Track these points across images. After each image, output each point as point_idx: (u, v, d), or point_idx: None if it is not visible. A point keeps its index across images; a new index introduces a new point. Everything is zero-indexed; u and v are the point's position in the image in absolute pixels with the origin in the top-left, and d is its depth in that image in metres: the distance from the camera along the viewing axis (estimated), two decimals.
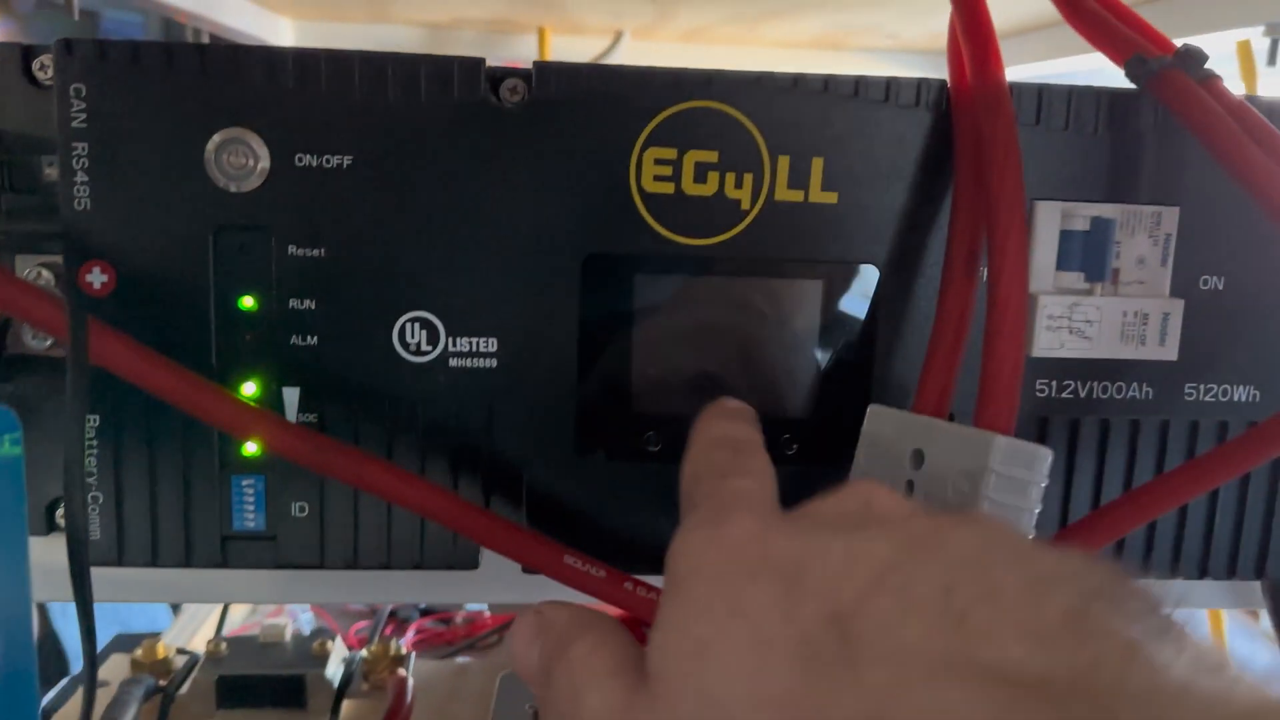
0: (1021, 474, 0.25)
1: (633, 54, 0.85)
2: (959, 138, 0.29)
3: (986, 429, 0.26)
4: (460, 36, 0.84)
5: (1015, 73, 0.78)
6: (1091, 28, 0.31)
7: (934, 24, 0.75)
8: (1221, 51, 0.57)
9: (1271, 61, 0.51)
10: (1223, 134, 0.27)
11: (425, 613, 0.61)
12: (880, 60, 0.85)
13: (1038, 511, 0.25)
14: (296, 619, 0.61)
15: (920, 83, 0.30)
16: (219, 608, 0.57)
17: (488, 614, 0.61)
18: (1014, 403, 0.26)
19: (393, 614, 0.61)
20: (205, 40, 0.81)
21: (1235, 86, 0.57)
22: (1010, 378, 0.26)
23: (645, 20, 0.76)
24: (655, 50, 0.86)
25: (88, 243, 0.29)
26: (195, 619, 0.62)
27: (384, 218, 0.29)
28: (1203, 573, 0.33)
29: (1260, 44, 0.54)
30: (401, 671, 0.44)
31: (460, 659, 0.53)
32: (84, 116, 0.28)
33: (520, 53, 0.85)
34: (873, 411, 0.29)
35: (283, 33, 0.84)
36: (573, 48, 0.85)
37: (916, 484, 0.27)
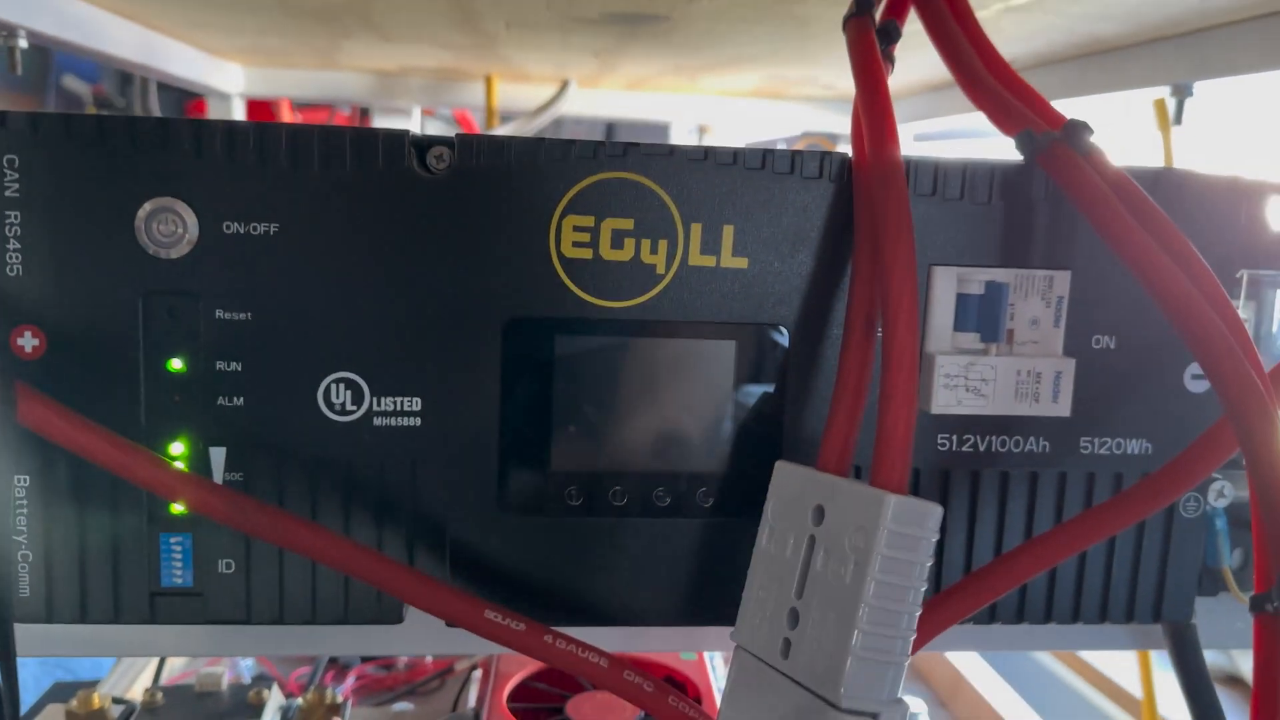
0: (913, 530, 0.26)
1: (580, 101, 0.86)
2: (858, 209, 0.31)
3: (881, 486, 0.27)
4: (408, 84, 0.86)
5: (951, 122, 0.81)
6: (986, 101, 0.33)
7: None
8: (1140, 109, 0.60)
9: (1178, 120, 0.54)
10: (1102, 207, 0.29)
11: (366, 659, 0.62)
12: (818, 108, 0.88)
13: (929, 565, 0.27)
14: (237, 665, 0.61)
15: (824, 156, 0.32)
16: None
17: (429, 659, 0.61)
18: (906, 461, 0.27)
19: (334, 660, 0.61)
20: (154, 87, 0.82)
21: (1152, 143, 0.60)
22: (903, 438, 0.27)
23: (590, 71, 0.78)
24: (602, 98, 0.88)
25: (19, 307, 0.30)
26: (135, 666, 0.62)
27: (309, 282, 0.30)
28: (1103, 617, 0.35)
29: (1172, 103, 0.57)
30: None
31: (398, 705, 0.53)
32: (16, 186, 0.29)
33: (468, 99, 0.87)
34: (779, 468, 0.30)
35: (233, 79, 0.85)
36: (520, 95, 0.86)
37: (818, 538, 0.28)
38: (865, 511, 0.26)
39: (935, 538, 0.27)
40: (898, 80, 0.80)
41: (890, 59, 0.35)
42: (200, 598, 0.32)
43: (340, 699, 0.47)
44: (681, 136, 0.94)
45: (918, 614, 0.27)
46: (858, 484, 0.27)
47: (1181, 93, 0.53)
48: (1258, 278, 0.35)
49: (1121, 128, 0.70)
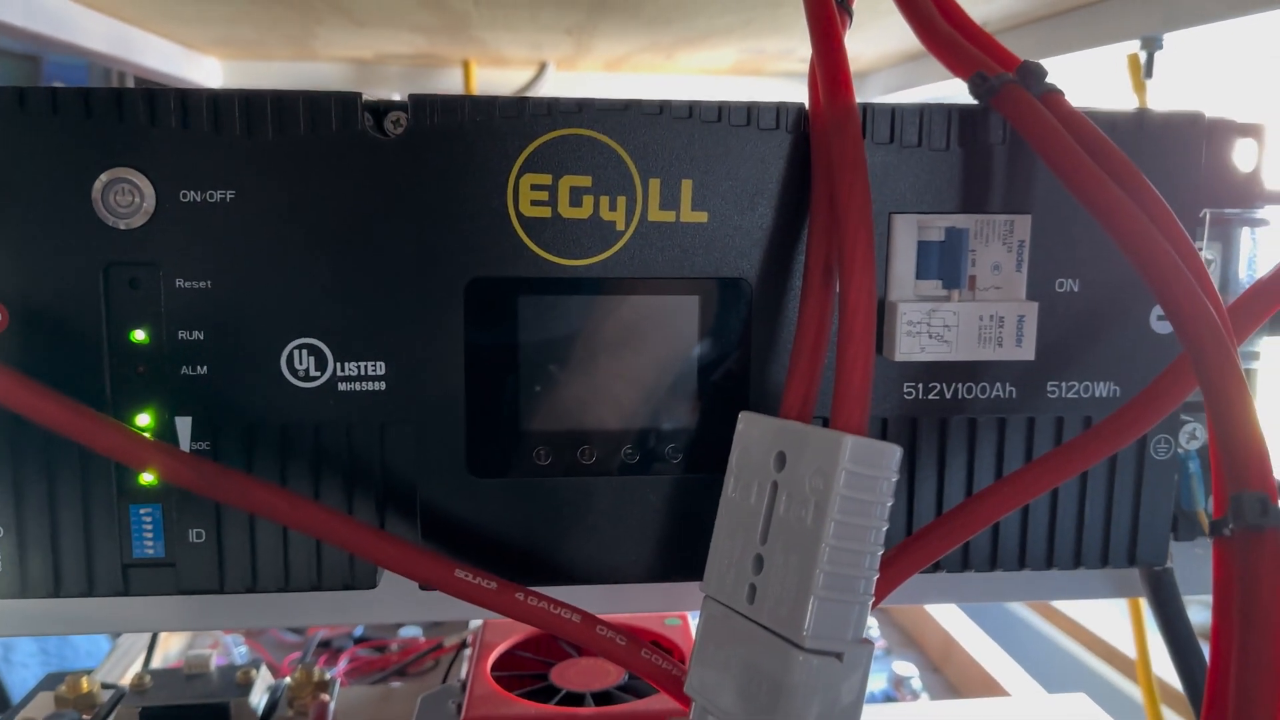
0: (871, 470, 0.26)
1: (557, 84, 0.86)
2: (815, 158, 0.31)
3: (840, 429, 0.27)
4: (386, 71, 0.86)
5: (932, 90, 0.81)
6: (941, 47, 0.33)
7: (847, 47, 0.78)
8: (1115, 65, 0.60)
9: (1148, 74, 0.54)
10: (1057, 147, 0.29)
11: (359, 641, 0.62)
12: (798, 84, 0.88)
13: (889, 505, 0.27)
14: (230, 652, 0.61)
15: (779, 107, 0.32)
16: (150, 642, 0.57)
17: (421, 638, 0.61)
18: (864, 403, 0.27)
19: (326, 644, 0.61)
20: (131, 83, 0.82)
21: (1127, 99, 0.60)
22: (861, 380, 0.27)
23: (566, 51, 0.78)
24: (579, 80, 0.88)
25: None
26: (128, 655, 0.62)
27: (268, 249, 0.30)
28: (1077, 562, 0.35)
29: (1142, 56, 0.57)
30: (324, 696, 0.45)
31: (391, 684, 0.53)
32: None
33: (447, 85, 0.87)
34: (743, 418, 0.30)
35: (210, 73, 0.85)
36: (499, 79, 0.86)
37: (780, 484, 0.28)
38: (824, 454, 0.27)
39: (894, 477, 0.27)
40: (876, 51, 0.80)
41: (848, 11, 0.35)
42: (172, 568, 0.32)
43: (329, 677, 0.47)
44: None
45: (879, 553, 0.27)
46: (817, 429, 0.28)
47: (1151, 45, 0.53)
48: (1222, 216, 0.35)
49: (1095, 93, 0.70)
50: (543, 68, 0.84)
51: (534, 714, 0.43)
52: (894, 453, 0.27)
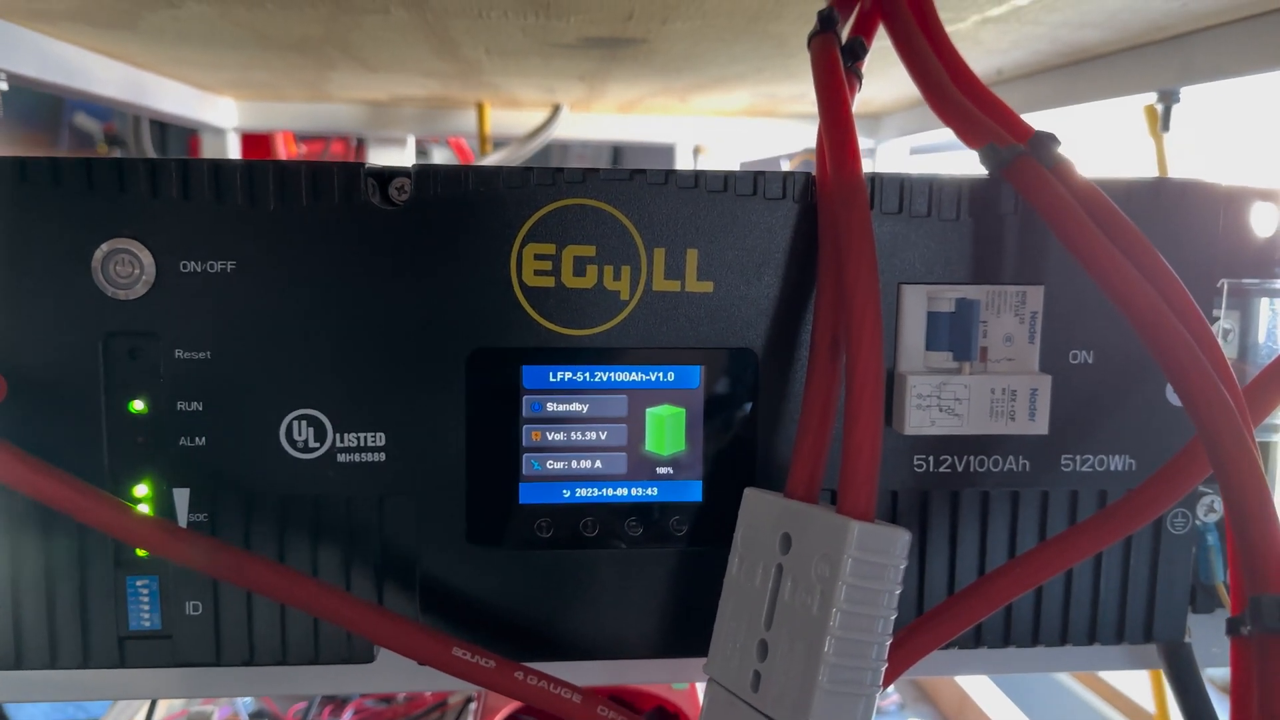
0: (879, 557, 0.26)
1: (573, 126, 0.86)
2: (822, 229, 0.31)
3: (847, 513, 0.26)
4: (401, 113, 0.86)
5: (949, 134, 0.80)
6: (952, 116, 0.32)
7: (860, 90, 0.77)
8: (1131, 115, 0.60)
9: (1165, 126, 0.53)
10: (1067, 220, 0.28)
11: (365, 693, 0.61)
12: (813, 124, 0.87)
13: (898, 592, 0.26)
14: (234, 702, 0.61)
15: (786, 176, 0.31)
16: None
17: (428, 693, 0.60)
18: (872, 486, 0.27)
19: (332, 696, 0.61)
20: (145, 124, 0.82)
21: (1143, 150, 0.59)
22: (868, 463, 0.27)
23: (579, 95, 0.78)
24: (595, 121, 0.88)
25: None
26: (131, 705, 0.61)
27: (269, 319, 0.30)
28: (1091, 638, 0.34)
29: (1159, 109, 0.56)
30: None
31: None
32: None
33: (461, 127, 0.87)
34: (748, 495, 0.30)
35: (225, 114, 0.85)
36: (513, 121, 0.86)
37: (785, 568, 0.27)
38: (830, 539, 0.26)
39: (903, 564, 0.26)
40: (891, 93, 0.79)
41: (857, 75, 0.35)
42: (169, 640, 0.31)
43: None
44: (685, 156, 0.93)
45: (888, 643, 0.26)
46: (824, 511, 0.27)
47: (1169, 99, 0.53)
48: (1240, 287, 0.34)
49: (1114, 137, 0.69)
50: (556, 110, 0.84)
51: None
52: (903, 539, 0.26)
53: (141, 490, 0.31)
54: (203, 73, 0.70)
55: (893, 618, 0.26)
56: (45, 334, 0.30)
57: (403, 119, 0.86)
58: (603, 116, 0.88)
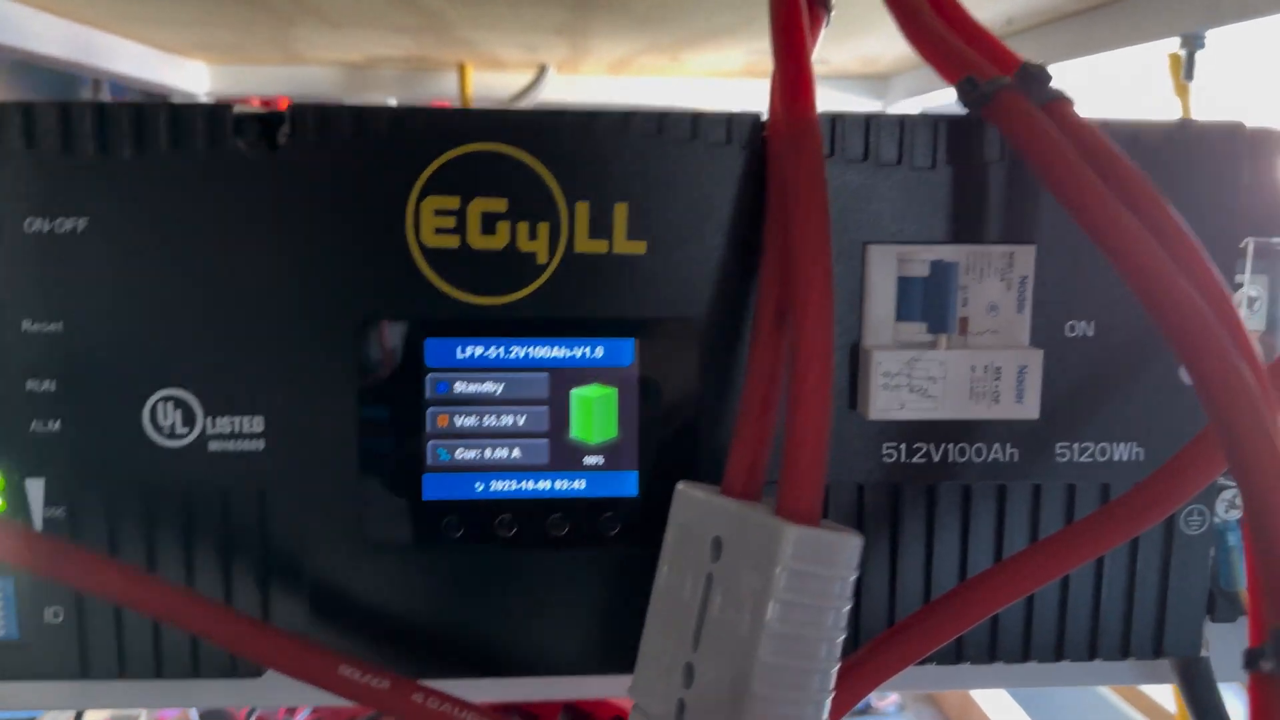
0: (820, 569, 0.21)
1: (558, 88, 0.82)
2: (770, 179, 0.26)
3: (786, 515, 0.22)
4: (379, 75, 0.82)
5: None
6: (927, 44, 0.27)
7: (863, 47, 0.72)
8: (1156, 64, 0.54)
9: (1189, 75, 0.48)
10: (1059, 165, 0.24)
11: None
12: (822, 87, 0.82)
13: (847, 609, 0.22)
14: None
15: (731, 118, 0.27)
16: None
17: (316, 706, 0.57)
18: (817, 483, 0.22)
19: None
20: (106, 90, 0.79)
21: (1169, 102, 0.54)
22: (812, 454, 0.22)
23: (564, 54, 0.73)
24: (582, 84, 0.83)
25: None
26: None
27: (127, 285, 0.26)
28: (1092, 653, 0.30)
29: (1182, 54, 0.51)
30: None
31: None
32: None
33: (443, 90, 0.82)
34: (680, 490, 0.25)
35: (198, 78, 0.81)
36: (498, 83, 0.82)
37: (715, 577, 0.23)
38: (762, 546, 0.21)
39: (853, 575, 0.22)
40: (899, 50, 0.74)
41: (825, 6, 0.30)
42: (26, 650, 0.27)
43: None
44: None
45: (833, 670, 0.22)
46: (758, 511, 0.22)
47: (1192, 44, 0.47)
48: (1268, 247, 0.29)
49: (1137, 89, 0.64)
50: (542, 71, 0.79)
51: None
52: (851, 545, 0.22)
53: None
54: (161, 31, 0.66)
55: (839, 640, 0.22)
56: None
57: (381, 81, 0.82)
58: (592, 79, 0.83)
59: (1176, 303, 0.21)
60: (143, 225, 0.26)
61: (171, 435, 0.27)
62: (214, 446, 0.27)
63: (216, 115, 0.26)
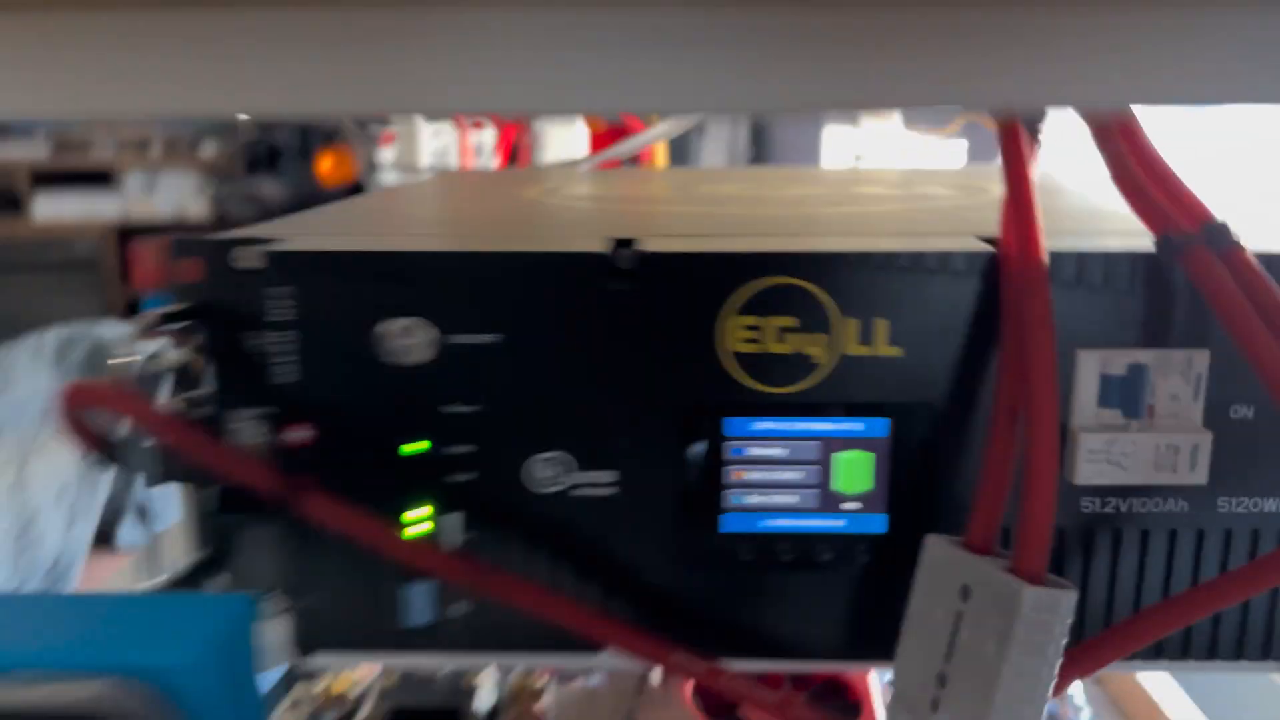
0: (1047, 616, 0.30)
1: None
2: (1004, 306, 0.34)
3: (1022, 576, 0.31)
4: None
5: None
6: (1131, 194, 0.35)
7: None
8: None
9: None
10: (1230, 309, 0.31)
11: None
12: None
13: (1064, 640, 0.31)
14: None
15: (970, 256, 0.35)
16: None
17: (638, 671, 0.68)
18: (1045, 554, 0.31)
19: None
20: None
21: None
22: (1040, 534, 0.31)
23: None
24: None
25: (295, 407, 0.36)
26: None
27: (526, 379, 0.36)
28: (1265, 653, 0.38)
29: None
30: (539, 707, 0.52)
31: (592, 680, 0.60)
32: (291, 307, 0.36)
33: None
34: (930, 542, 0.34)
35: None
36: None
37: (964, 614, 0.32)
38: (1005, 599, 0.30)
39: (1069, 619, 0.31)
40: None
41: (1038, 138, 0.37)
42: (437, 633, 0.38)
43: (540, 685, 0.54)
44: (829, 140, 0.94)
45: (1052, 684, 0.31)
46: (1000, 570, 0.31)
47: None
48: None
49: None
50: None
51: None
52: (1069, 599, 0.30)
53: (422, 512, 0.37)
54: None
55: (1058, 664, 0.31)
56: (346, 393, 0.36)
57: None
58: None
59: None
60: (538, 339, 0.36)
61: (552, 484, 0.37)
62: (578, 492, 0.37)
63: (591, 259, 0.35)
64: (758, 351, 0.36)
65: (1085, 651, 0.34)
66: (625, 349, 0.36)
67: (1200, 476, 0.35)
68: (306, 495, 0.35)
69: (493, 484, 0.37)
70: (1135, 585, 0.37)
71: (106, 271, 3.37)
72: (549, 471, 0.37)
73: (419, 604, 0.38)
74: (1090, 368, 0.35)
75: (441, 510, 0.37)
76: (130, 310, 3.39)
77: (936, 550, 0.34)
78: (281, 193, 2.58)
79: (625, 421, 0.36)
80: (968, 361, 0.36)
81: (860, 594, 0.38)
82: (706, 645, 0.37)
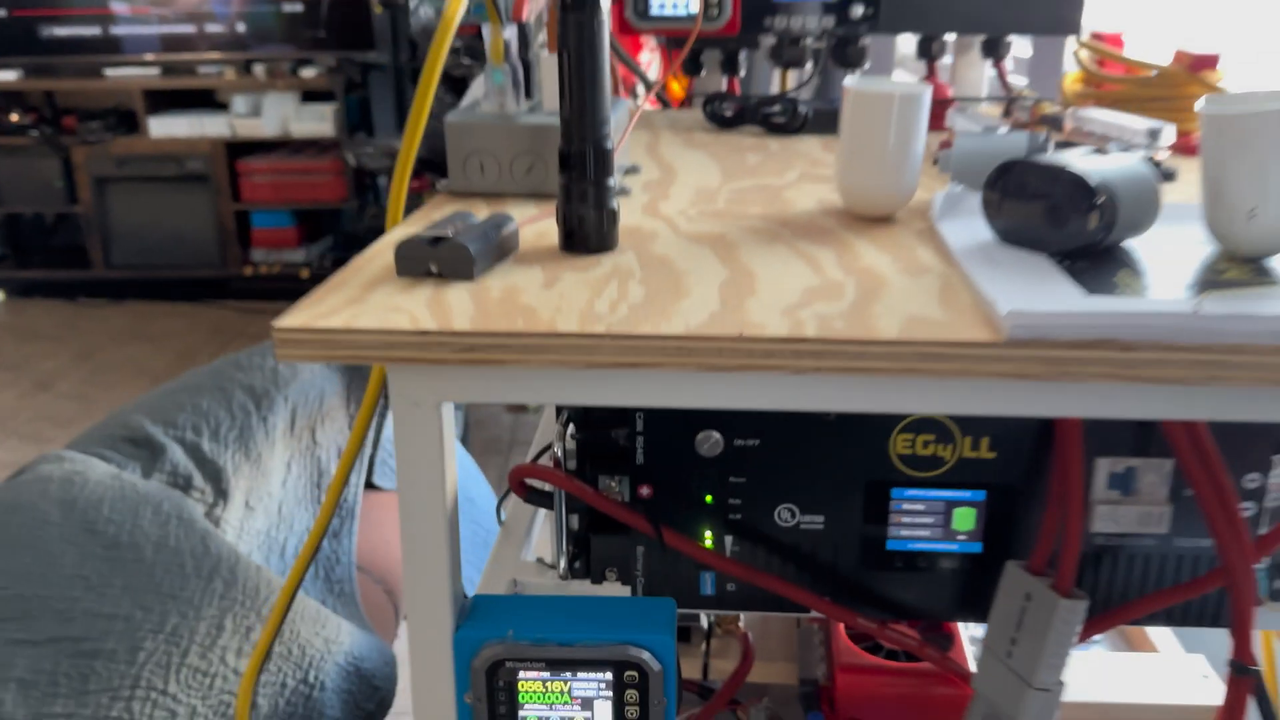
0: (1070, 616, 0.58)
1: None
2: (1058, 431, 0.61)
3: (1059, 591, 0.58)
4: None
5: None
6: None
7: None
8: None
9: None
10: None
11: None
12: None
13: (1079, 628, 0.58)
14: None
15: None
16: None
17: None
18: (1074, 573, 0.58)
19: None
20: None
21: None
22: (1072, 560, 0.58)
23: None
24: None
25: (643, 476, 0.64)
26: None
27: (775, 463, 0.63)
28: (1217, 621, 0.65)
29: None
30: (741, 625, 0.81)
31: None
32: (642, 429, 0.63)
33: None
34: (1008, 566, 0.61)
35: None
36: None
37: (1026, 609, 0.60)
38: (1049, 604, 0.58)
39: (1084, 616, 0.58)
40: None
41: None
42: (719, 598, 0.67)
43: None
44: None
45: (1072, 647, 0.58)
46: (1046, 587, 0.59)
47: None
48: None
49: None
50: None
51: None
52: (1083, 606, 0.58)
53: (710, 536, 0.65)
54: None
55: (1078, 634, 0.58)
56: (672, 470, 0.64)
57: None
58: None
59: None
60: (782, 442, 0.63)
61: (787, 522, 0.64)
62: (804, 526, 0.64)
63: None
64: (910, 454, 0.63)
65: (1094, 623, 0.62)
66: (830, 454, 0.63)
67: (1165, 529, 0.62)
68: (658, 525, 0.62)
69: (753, 521, 0.65)
70: (1125, 588, 0.64)
71: (217, 182, 3.64)
72: (786, 514, 0.64)
73: (708, 584, 0.66)
74: (1103, 467, 0.62)
75: (722, 533, 0.65)
76: (240, 221, 3.69)
77: (1011, 570, 0.61)
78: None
79: (832, 488, 0.64)
80: (1035, 456, 0.62)
81: (965, 586, 0.65)
82: (871, 611, 0.65)
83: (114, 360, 3.27)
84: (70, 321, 3.65)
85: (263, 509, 1.05)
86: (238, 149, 3.64)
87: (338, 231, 3.86)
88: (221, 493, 0.99)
